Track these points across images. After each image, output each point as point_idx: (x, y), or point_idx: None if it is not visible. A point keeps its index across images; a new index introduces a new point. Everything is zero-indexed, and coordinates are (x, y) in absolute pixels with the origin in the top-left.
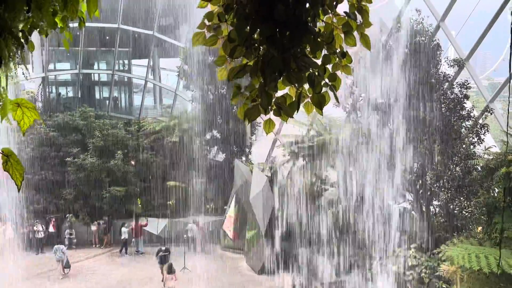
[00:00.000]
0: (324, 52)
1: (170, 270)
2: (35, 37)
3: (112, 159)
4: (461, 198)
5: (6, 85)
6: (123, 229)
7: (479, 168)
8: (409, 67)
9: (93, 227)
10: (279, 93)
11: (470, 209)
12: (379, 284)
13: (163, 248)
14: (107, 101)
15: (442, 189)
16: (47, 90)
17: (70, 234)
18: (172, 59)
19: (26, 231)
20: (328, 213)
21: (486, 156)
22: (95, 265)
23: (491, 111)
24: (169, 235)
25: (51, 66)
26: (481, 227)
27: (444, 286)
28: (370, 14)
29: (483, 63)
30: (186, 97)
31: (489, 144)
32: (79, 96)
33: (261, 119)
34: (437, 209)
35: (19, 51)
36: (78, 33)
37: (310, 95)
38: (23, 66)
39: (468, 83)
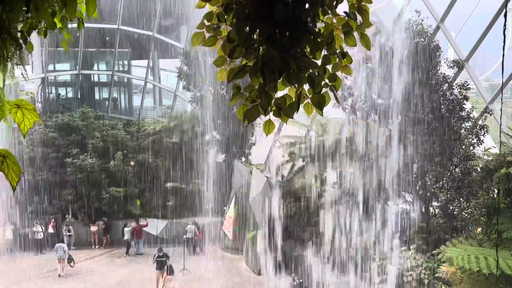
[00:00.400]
0: (324, 52)
1: (170, 271)
2: (34, 37)
3: (111, 160)
4: (461, 199)
5: (3, 86)
6: (126, 230)
7: (479, 169)
8: (409, 68)
9: (93, 228)
10: (279, 94)
11: (469, 210)
12: (379, 285)
13: (160, 253)
14: (107, 102)
15: (442, 190)
16: (46, 90)
17: (68, 231)
18: (172, 60)
19: (26, 231)
20: (328, 214)
21: (485, 157)
22: (94, 266)
23: (490, 112)
24: (169, 236)
25: (50, 67)
26: (480, 228)
27: (443, 287)
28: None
29: (482, 64)
30: (186, 98)
31: (489, 145)
32: (79, 96)
33: (260, 120)
34: (437, 210)
35: (17, 52)
36: (78, 33)
37: (310, 96)
38: (22, 66)
39: (468, 84)
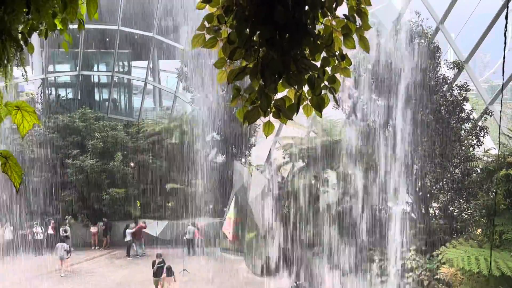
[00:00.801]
0: (324, 54)
1: (169, 273)
2: (34, 38)
3: (111, 160)
4: (461, 200)
5: (6, 88)
6: (128, 231)
7: (479, 170)
8: (408, 69)
9: (93, 229)
10: (279, 95)
11: (469, 211)
12: (379, 286)
13: (160, 259)
14: (107, 103)
15: (442, 191)
16: (46, 91)
17: (65, 231)
18: (172, 61)
19: (25, 232)
20: (328, 215)
21: (485, 158)
22: (94, 267)
23: (490, 113)
24: (168, 237)
25: (50, 68)
26: (480, 229)
27: None
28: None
29: (482, 65)
30: (186, 99)
31: (489, 146)
32: (79, 97)
33: (260, 121)
34: (437, 211)
35: (18, 53)
36: (78, 34)
37: (310, 97)
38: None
39: (468, 85)
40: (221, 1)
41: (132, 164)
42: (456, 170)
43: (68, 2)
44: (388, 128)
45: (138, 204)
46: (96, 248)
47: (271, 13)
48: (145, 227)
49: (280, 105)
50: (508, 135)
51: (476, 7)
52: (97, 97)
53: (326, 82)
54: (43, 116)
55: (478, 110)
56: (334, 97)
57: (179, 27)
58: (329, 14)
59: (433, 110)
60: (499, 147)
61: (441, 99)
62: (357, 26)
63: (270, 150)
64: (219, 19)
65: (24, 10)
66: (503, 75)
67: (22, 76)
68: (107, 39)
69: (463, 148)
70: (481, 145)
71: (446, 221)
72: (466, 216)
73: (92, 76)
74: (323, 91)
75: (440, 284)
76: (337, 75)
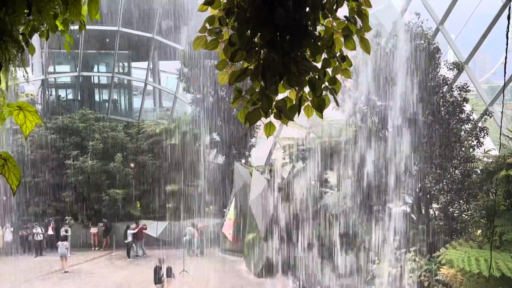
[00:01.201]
0: (324, 55)
1: (169, 274)
2: (35, 39)
3: (111, 161)
4: (461, 201)
5: (7, 88)
6: (129, 232)
7: (479, 171)
8: (408, 70)
9: (93, 230)
10: (280, 97)
11: (469, 212)
12: (379, 287)
13: (159, 265)
14: (107, 104)
15: (442, 192)
16: (46, 92)
17: (66, 231)
18: (172, 62)
19: (25, 233)
20: (328, 216)
21: (485, 159)
22: (94, 268)
23: (490, 114)
24: (169, 238)
25: (50, 69)
26: (480, 230)
27: None
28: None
29: (482, 66)
30: (186, 99)
31: (489, 147)
32: (79, 98)
33: (260, 122)
34: (437, 212)
35: (19, 54)
36: (78, 35)
37: (311, 99)
38: (23, 69)
39: (468, 86)
40: (223, 3)
41: (132, 165)
42: (456, 171)
43: (69, 3)
44: (388, 129)
45: (138, 205)
46: (96, 249)
47: (272, 15)
48: (145, 228)
49: (281, 106)
50: (508, 136)
51: (476, 8)
52: (97, 98)
53: (326, 83)
54: (43, 117)
55: (478, 111)
56: (335, 98)
57: (179, 28)
58: (329, 15)
59: (433, 111)
60: (500, 148)
61: (441, 100)
62: (358, 28)
63: (270, 151)
64: (220, 21)
65: (26, 11)
66: (504, 76)
67: (24, 77)
68: (107, 40)
69: (463, 149)
70: (481, 146)
71: (446, 222)
72: (466, 217)
73: (92, 77)
74: (324, 92)
75: (440, 285)
76: (338, 76)
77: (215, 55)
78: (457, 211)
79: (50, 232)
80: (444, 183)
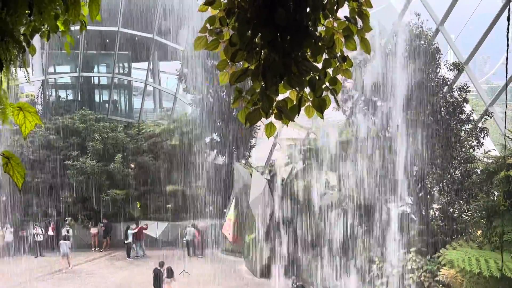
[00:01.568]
0: (325, 56)
1: (169, 274)
2: (35, 39)
3: (111, 162)
4: (461, 202)
5: (8, 89)
6: (129, 232)
7: (479, 172)
8: (408, 71)
9: (93, 230)
10: (280, 97)
11: (469, 212)
12: None
13: (159, 268)
14: (107, 104)
15: (442, 193)
16: (47, 93)
17: (67, 231)
18: (172, 62)
19: (25, 234)
20: (328, 217)
21: (485, 159)
22: (94, 268)
23: (490, 115)
24: (169, 238)
25: (51, 69)
26: (480, 231)
27: None
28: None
29: (482, 66)
30: (186, 100)
31: (489, 148)
32: (79, 99)
33: (260, 122)
34: (437, 213)
35: (20, 55)
36: (78, 36)
37: (311, 99)
38: (24, 69)
39: (468, 87)
40: (223, 3)
41: (132, 166)
42: (456, 172)
43: (70, 4)
44: (388, 129)
45: (138, 206)
46: (96, 249)
47: (272, 15)
48: (146, 229)
49: (282, 106)
50: (508, 137)
51: (476, 8)
52: (97, 99)
53: (327, 84)
54: (43, 117)
55: (478, 112)
56: (335, 99)
57: (179, 29)
58: (330, 16)
59: (433, 111)
60: (505, 149)
61: (441, 101)
62: (358, 28)
63: (270, 151)
64: (221, 21)
65: (27, 11)
66: (506, 77)
67: (25, 77)
68: (107, 41)
69: (463, 149)
70: (481, 146)
71: (446, 223)
72: (466, 217)
73: (92, 77)
74: (324, 93)
75: (441, 285)
76: (338, 77)
77: (215, 55)
78: (457, 212)
79: (51, 232)
80: (444, 183)
